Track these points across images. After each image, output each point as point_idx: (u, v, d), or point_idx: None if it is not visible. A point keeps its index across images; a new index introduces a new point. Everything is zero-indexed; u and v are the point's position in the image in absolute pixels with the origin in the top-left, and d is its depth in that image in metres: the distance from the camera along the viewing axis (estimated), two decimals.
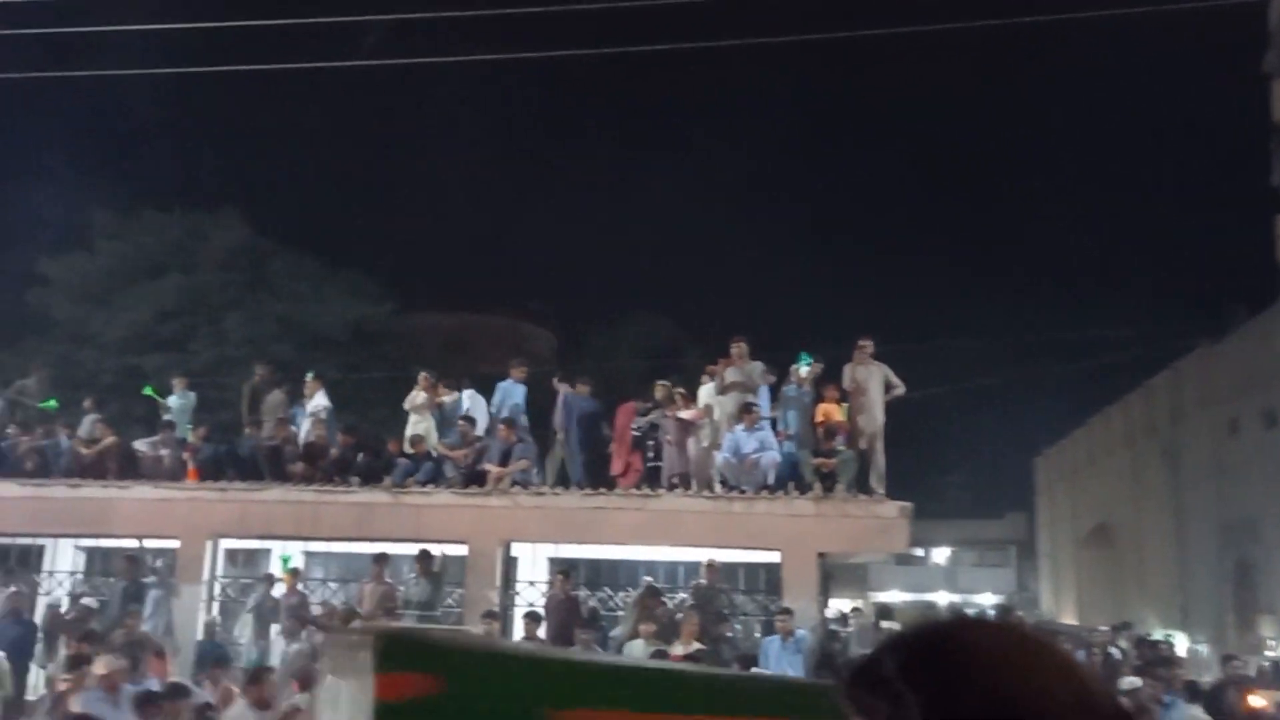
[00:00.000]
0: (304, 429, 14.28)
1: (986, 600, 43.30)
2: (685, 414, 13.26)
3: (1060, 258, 59.95)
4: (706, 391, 13.48)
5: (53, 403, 15.80)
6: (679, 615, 11.75)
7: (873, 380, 13.09)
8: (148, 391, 16.00)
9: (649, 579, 12.74)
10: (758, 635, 12.89)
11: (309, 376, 15.01)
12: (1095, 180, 60.60)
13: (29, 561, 14.26)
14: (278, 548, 14.05)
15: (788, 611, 11.32)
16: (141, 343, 22.83)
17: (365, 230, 37.18)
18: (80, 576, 14.23)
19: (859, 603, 30.89)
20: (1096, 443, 36.34)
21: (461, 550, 13.16)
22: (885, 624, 12.60)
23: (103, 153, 34.47)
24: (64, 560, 14.32)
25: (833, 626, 13.23)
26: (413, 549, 12.89)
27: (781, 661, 10.85)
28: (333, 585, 13.75)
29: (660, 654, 10.25)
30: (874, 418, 13.01)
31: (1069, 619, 34.69)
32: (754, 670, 10.26)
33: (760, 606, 13.07)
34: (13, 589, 13.11)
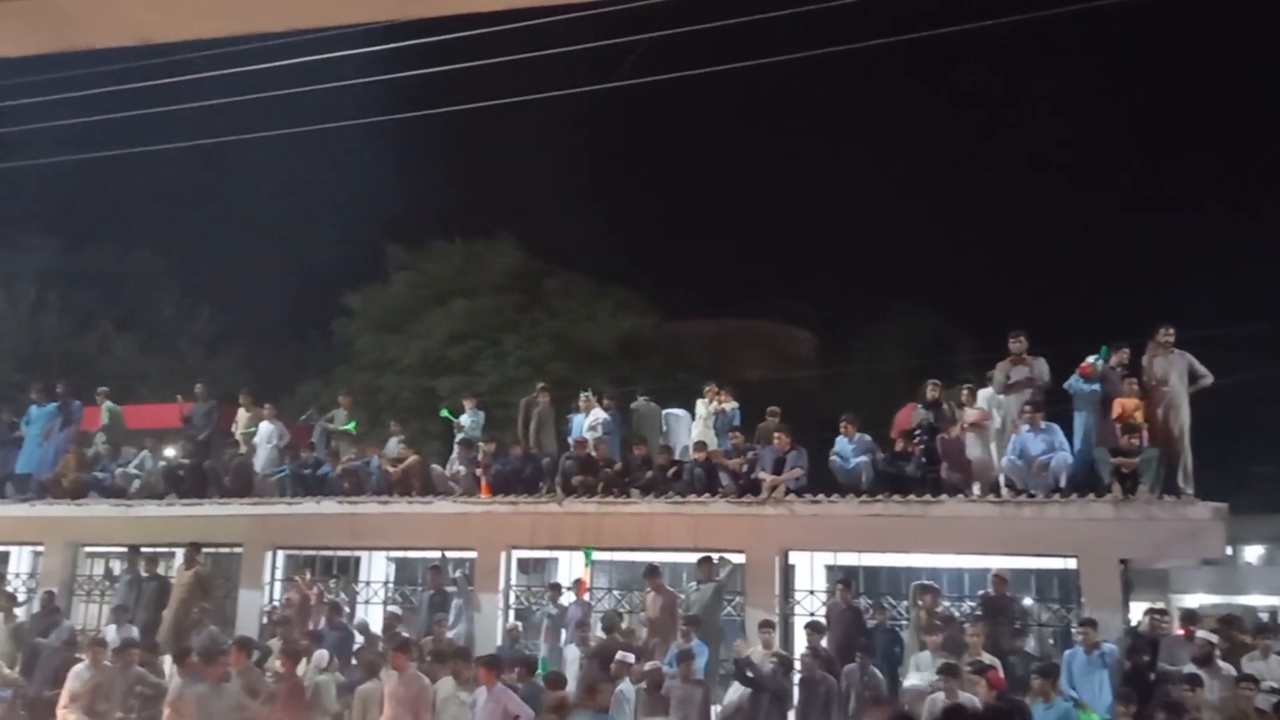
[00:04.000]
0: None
1: None
2: (968, 415, 12.77)
3: None
4: (986, 394, 12.94)
5: (352, 425, 17.22)
6: (966, 626, 11.34)
7: (1174, 371, 12.12)
8: (444, 413, 17.16)
9: (926, 583, 12.34)
10: (1052, 645, 12.27)
11: (585, 395, 15.66)
12: None
13: (347, 571, 15.66)
14: (564, 557, 14.69)
15: (1091, 623, 10.65)
16: (434, 366, 24.60)
17: (630, 245, 38.27)
18: (391, 585, 15.45)
19: (1161, 604, 28.57)
20: None
21: (739, 559, 13.28)
22: (1200, 634, 11.52)
23: (393, 189, 37.43)
24: (378, 570, 15.60)
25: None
26: (693, 557, 13.18)
27: (1087, 676, 10.22)
28: (616, 594, 14.23)
29: (949, 668, 9.91)
30: (1178, 412, 12.03)
31: None
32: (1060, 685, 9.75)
33: (1056, 616, 12.39)
34: (334, 597, 14.48)
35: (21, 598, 15.40)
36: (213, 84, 13.64)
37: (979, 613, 11.72)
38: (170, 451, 17.28)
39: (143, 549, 14.89)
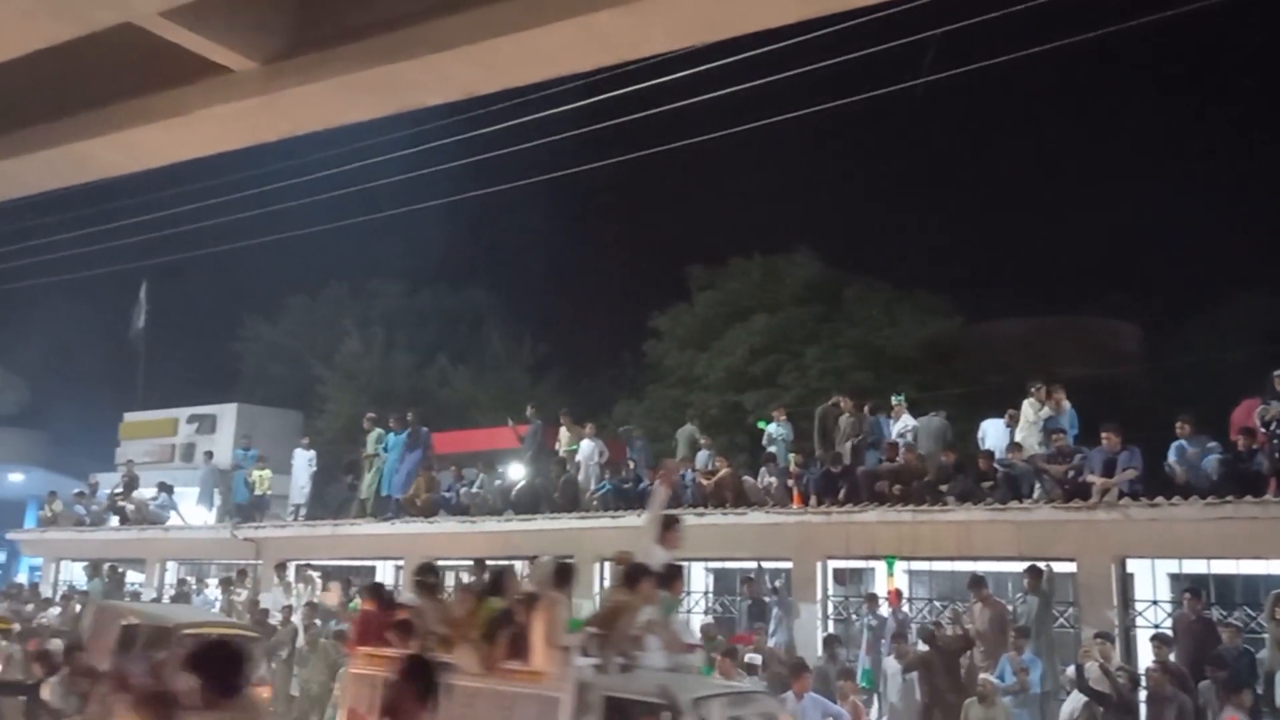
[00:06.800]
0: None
1: None
2: None
3: None
4: None
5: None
6: None
7: None
8: (761, 425, 17.33)
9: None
10: None
11: (896, 399, 15.46)
12: None
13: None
14: (880, 567, 14.52)
15: None
16: (738, 381, 25.05)
17: (930, 247, 37.14)
18: (710, 595, 15.87)
19: None
20: None
21: (1069, 567, 12.60)
22: None
23: (692, 212, 38.70)
24: (697, 581, 16.06)
25: None
26: (1018, 566, 12.64)
27: None
28: (938, 604, 13.87)
29: None
30: None
31: None
32: None
33: None
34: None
35: None
36: (524, 128, 14.75)
37: None
38: (510, 472, 18.68)
39: (486, 562, 16.20)
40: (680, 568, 8.48)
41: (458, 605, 8.18)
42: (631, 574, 7.72)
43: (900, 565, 13.86)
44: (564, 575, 8.11)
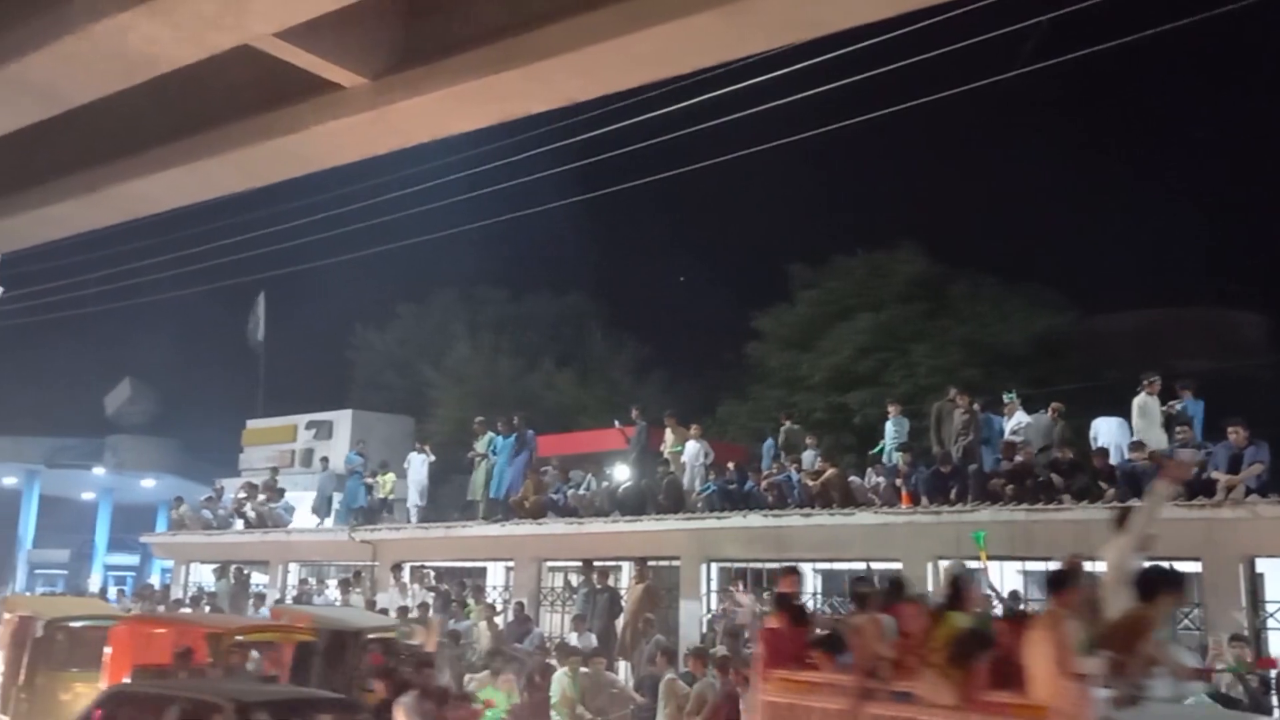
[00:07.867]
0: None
1: None
2: None
3: None
4: None
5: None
6: None
7: None
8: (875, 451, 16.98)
9: None
10: None
11: (1008, 396, 15.14)
12: None
13: (776, 583, 16.16)
14: (994, 567, 14.20)
15: None
16: (843, 380, 24.78)
17: (1040, 240, 36.09)
18: (819, 596, 15.74)
19: None
20: None
21: (1193, 566, 12.14)
22: None
23: (789, 213, 38.41)
24: (805, 582, 15.96)
25: None
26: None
27: None
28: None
29: None
30: None
31: None
32: None
33: None
34: (765, 609, 15.01)
35: (499, 608, 17.55)
36: (623, 133, 14.89)
37: None
38: (616, 473, 18.87)
39: (594, 563, 16.37)
40: (1180, 576, 7.07)
41: (907, 621, 6.96)
42: (1149, 582, 6.43)
43: (1014, 565, 13.53)
44: (1063, 581, 6.53)
